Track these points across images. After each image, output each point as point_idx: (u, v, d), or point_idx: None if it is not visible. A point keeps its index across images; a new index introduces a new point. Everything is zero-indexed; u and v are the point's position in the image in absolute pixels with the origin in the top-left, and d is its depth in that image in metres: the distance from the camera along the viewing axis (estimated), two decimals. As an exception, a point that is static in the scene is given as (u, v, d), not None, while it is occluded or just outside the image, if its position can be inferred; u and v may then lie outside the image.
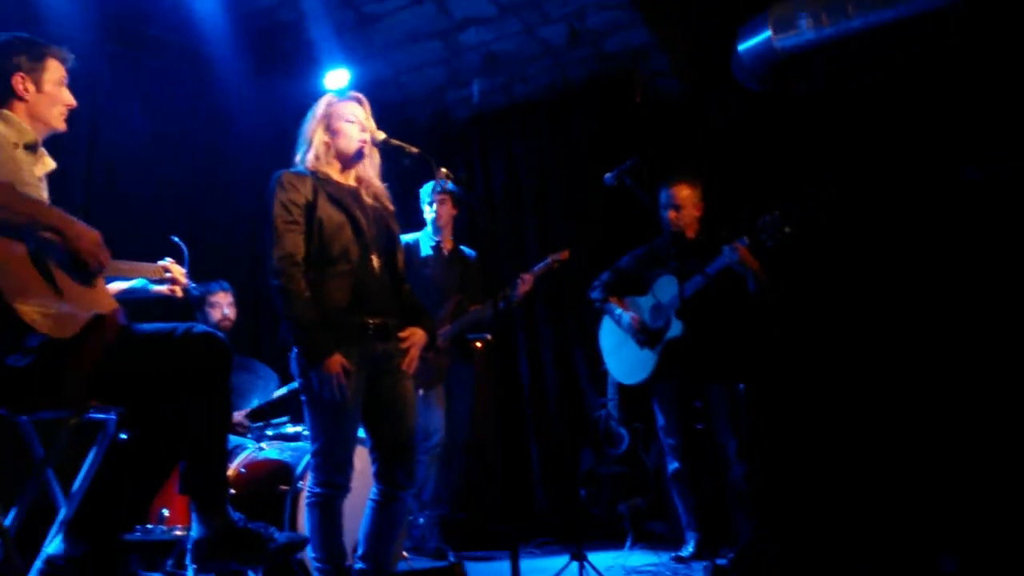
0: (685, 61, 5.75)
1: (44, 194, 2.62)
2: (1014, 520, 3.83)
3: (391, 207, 3.22)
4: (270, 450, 3.99)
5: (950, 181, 4.80)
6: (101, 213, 4.28)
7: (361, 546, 3.03)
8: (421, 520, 4.82)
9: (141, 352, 2.45)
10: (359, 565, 3.01)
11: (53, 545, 2.44)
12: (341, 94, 3.22)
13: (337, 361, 2.86)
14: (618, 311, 4.64)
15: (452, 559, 4.64)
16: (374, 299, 3.01)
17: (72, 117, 2.76)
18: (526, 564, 4.29)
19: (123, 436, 2.56)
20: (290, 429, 4.25)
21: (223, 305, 4.63)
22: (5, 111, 2.61)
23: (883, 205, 4.93)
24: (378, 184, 3.19)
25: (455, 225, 5.17)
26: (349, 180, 3.15)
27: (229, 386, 2.58)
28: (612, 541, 5.01)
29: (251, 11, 5.37)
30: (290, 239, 2.93)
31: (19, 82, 2.61)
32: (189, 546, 2.60)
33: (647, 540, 5.04)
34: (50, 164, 2.72)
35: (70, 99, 2.72)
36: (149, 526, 3.63)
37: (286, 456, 3.88)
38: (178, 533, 3.62)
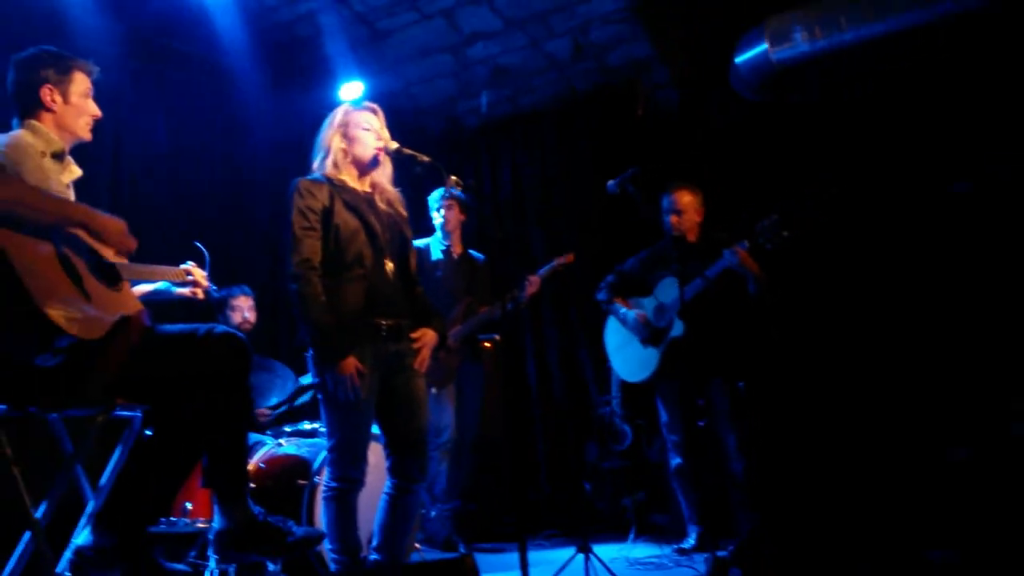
0: (685, 73, 5.74)
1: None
2: (1006, 511, 3.81)
3: (404, 212, 3.21)
4: (288, 446, 3.98)
5: (938, 192, 4.79)
6: (125, 219, 4.26)
7: (376, 538, 3.01)
8: (433, 513, 4.81)
9: (165, 353, 2.45)
10: (374, 556, 2.99)
11: (82, 537, 2.44)
12: (357, 104, 3.21)
13: (351, 363, 2.85)
14: (623, 310, 4.63)
15: (463, 551, 4.62)
16: (387, 302, 3.00)
17: (97, 127, 2.76)
18: (534, 555, 4.23)
19: (148, 433, 2.55)
20: (307, 426, 4.25)
21: (243, 308, 4.64)
22: (33, 122, 2.61)
23: (874, 209, 4.91)
24: (392, 190, 3.18)
25: (464, 230, 5.17)
26: (364, 186, 3.14)
27: (249, 385, 2.58)
28: (616, 533, 4.99)
29: (270, 26, 5.39)
30: (308, 244, 2.93)
31: (47, 94, 2.62)
32: (211, 538, 2.61)
33: (650, 533, 5.02)
34: (76, 172, 2.72)
35: (95, 110, 2.73)
36: (173, 519, 3.63)
37: (304, 452, 3.87)
38: (201, 526, 3.61)
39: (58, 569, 2.49)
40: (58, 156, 2.63)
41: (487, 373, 5.11)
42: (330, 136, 3.12)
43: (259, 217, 5.49)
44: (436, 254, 5.04)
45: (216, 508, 2.59)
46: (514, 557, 2.87)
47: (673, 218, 4.48)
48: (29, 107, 2.62)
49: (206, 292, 3.00)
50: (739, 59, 5.13)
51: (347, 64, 5.60)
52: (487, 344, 5.06)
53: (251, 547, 2.56)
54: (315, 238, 2.94)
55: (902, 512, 4.15)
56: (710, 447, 4.32)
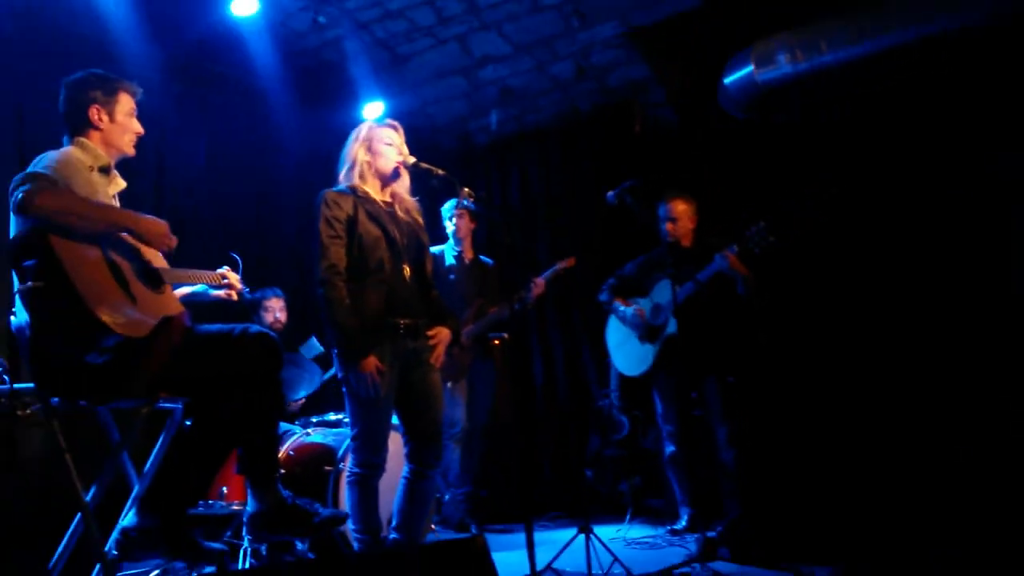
0: (679, 93, 5.73)
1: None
2: (986, 498, 3.79)
3: (421, 220, 3.21)
4: (315, 435, 3.98)
5: (911, 200, 4.77)
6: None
7: (395, 519, 3.01)
8: (447, 497, 4.81)
9: (204, 351, 2.46)
10: (393, 536, 3.00)
11: (128, 518, 2.46)
12: (380, 121, 3.22)
13: (372, 363, 2.86)
14: (622, 308, 4.62)
15: (474, 531, 4.63)
16: (405, 303, 3.01)
17: (141, 144, 2.77)
18: (539, 535, 4.27)
19: (188, 424, 2.56)
20: (332, 416, 4.26)
21: (275, 309, 4.65)
22: (82, 139, 2.63)
23: (855, 216, 4.89)
24: (410, 200, 3.19)
25: (475, 237, 5.18)
26: (385, 196, 3.14)
27: (280, 381, 2.59)
28: (614, 515, 4.98)
29: (299, 51, 5.41)
30: (334, 251, 2.94)
31: (95, 113, 2.63)
32: (245, 519, 2.62)
33: (646, 515, 5.02)
34: (121, 184, 2.73)
35: (139, 128, 2.74)
36: (211, 502, 3.65)
37: (329, 440, 3.87)
38: (235, 508, 3.62)
39: (106, 548, 2.49)
40: (104, 170, 2.65)
41: (497, 369, 5.11)
42: (355, 149, 3.13)
43: (288, 226, 5.50)
44: (449, 259, 5.05)
45: (249, 492, 2.60)
46: (521, 537, 2.88)
47: (669, 225, 4.47)
48: (78, 125, 2.63)
49: (240, 294, 3.01)
50: (727, 80, 5.10)
51: (369, 86, 5.61)
52: (497, 342, 5.06)
53: (281, 528, 2.58)
54: (340, 246, 2.95)
55: (876, 498, 4.15)
56: (702, 437, 4.32)
